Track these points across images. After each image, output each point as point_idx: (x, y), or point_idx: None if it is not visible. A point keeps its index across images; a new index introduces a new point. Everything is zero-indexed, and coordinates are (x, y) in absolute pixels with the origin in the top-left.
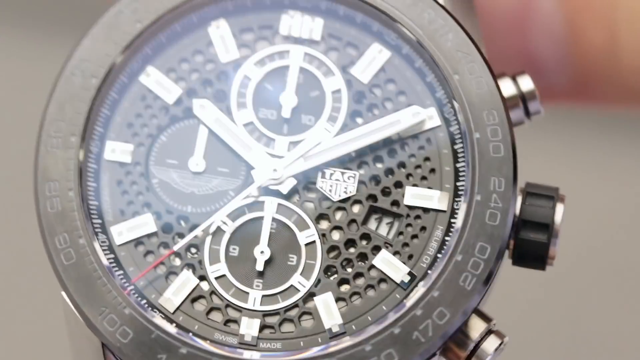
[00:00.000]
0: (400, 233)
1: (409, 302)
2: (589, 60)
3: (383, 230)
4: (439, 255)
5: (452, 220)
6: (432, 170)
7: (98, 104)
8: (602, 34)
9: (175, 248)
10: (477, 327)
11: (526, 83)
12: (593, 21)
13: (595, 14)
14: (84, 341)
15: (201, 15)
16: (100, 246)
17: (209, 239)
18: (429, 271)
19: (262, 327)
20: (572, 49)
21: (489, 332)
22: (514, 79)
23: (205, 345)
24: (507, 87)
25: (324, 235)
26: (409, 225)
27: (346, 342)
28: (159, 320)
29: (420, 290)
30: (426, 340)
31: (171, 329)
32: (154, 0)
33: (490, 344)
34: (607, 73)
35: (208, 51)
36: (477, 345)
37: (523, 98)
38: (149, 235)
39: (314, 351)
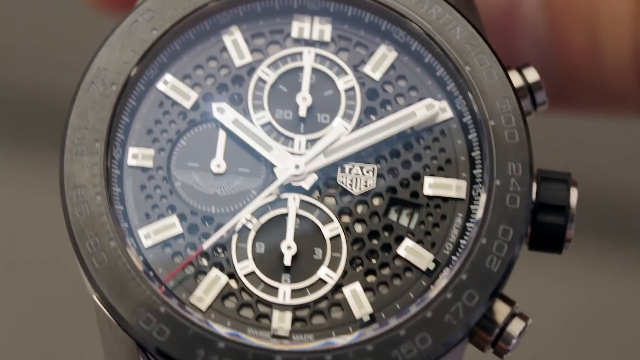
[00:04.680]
0: (422, 222)
1: (438, 287)
2: (571, 64)
3: (404, 220)
4: (461, 242)
5: (472, 207)
6: (448, 161)
7: (119, 111)
8: (583, 37)
9: (205, 247)
10: (501, 310)
11: (532, 75)
12: (574, 25)
13: (577, 17)
14: (117, 344)
15: (213, 22)
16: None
17: (235, 237)
18: (453, 257)
19: (294, 320)
20: (555, 52)
21: (512, 315)
22: (519, 71)
23: (243, 338)
24: (514, 79)
25: (347, 228)
26: (429, 214)
27: (381, 328)
28: (194, 316)
29: (446, 275)
30: (458, 322)
31: (208, 325)
32: (168, 8)
33: (516, 327)
34: (589, 76)
35: (222, 57)
36: (503, 329)
37: (530, 89)
38: (175, 237)
39: (350, 338)
